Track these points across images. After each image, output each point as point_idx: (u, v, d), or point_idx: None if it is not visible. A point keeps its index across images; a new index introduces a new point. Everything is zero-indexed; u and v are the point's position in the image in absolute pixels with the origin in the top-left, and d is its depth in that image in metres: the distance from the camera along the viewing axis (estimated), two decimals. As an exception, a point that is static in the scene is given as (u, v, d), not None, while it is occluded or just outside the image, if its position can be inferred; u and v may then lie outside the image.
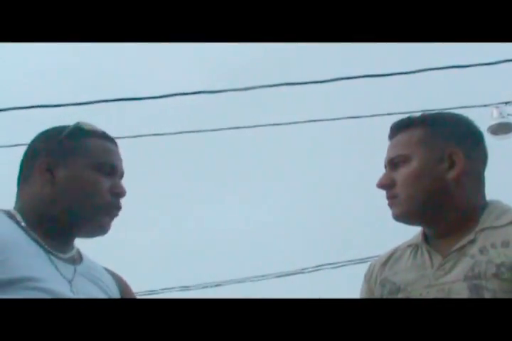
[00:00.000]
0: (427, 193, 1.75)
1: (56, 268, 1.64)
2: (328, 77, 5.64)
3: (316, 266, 8.04)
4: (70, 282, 1.65)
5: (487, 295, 1.65)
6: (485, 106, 6.99)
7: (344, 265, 7.89)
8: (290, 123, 6.64)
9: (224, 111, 7.97)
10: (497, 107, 7.46)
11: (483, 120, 7.18)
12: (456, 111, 1.97)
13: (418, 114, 1.86)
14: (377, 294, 1.83)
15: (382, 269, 1.85)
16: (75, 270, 1.68)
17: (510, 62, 5.56)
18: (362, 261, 7.31)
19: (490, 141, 7.39)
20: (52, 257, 1.65)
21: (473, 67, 5.52)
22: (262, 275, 8.26)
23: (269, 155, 11.21)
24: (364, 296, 1.88)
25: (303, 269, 8.11)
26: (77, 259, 1.73)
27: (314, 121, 6.56)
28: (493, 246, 1.70)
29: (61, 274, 1.64)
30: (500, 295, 1.64)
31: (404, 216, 1.79)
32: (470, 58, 5.37)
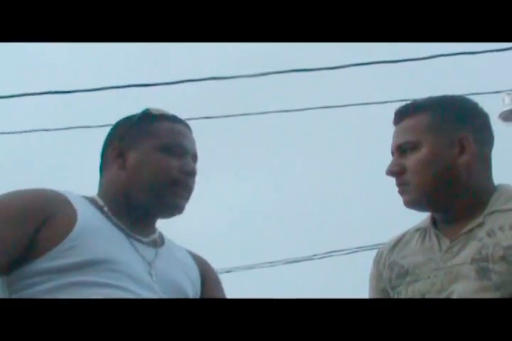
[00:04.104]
0: (438, 179, 1.75)
1: (136, 250, 1.68)
2: (339, 64, 5.62)
3: (327, 253, 8.05)
4: (149, 264, 1.69)
5: (494, 278, 1.66)
6: (496, 92, 6.95)
7: (354, 251, 7.90)
8: (301, 109, 6.63)
9: (234, 97, 7.97)
10: (509, 94, 7.45)
11: (494, 106, 7.16)
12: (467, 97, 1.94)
13: (423, 99, 1.84)
14: (385, 277, 1.84)
15: (390, 253, 1.86)
16: (156, 253, 1.73)
17: (523, 49, 5.52)
18: (372, 247, 7.32)
19: (501, 127, 7.38)
20: (133, 241, 1.70)
21: (484, 53, 5.49)
22: (272, 262, 8.28)
23: (278, 142, 11.21)
24: (373, 280, 1.90)
25: (313, 255, 8.13)
26: (159, 242, 1.78)
27: (325, 107, 6.54)
28: (501, 229, 1.70)
29: (141, 257, 1.68)
30: (506, 278, 1.65)
31: (416, 203, 1.79)
32: (482, 44, 5.34)
